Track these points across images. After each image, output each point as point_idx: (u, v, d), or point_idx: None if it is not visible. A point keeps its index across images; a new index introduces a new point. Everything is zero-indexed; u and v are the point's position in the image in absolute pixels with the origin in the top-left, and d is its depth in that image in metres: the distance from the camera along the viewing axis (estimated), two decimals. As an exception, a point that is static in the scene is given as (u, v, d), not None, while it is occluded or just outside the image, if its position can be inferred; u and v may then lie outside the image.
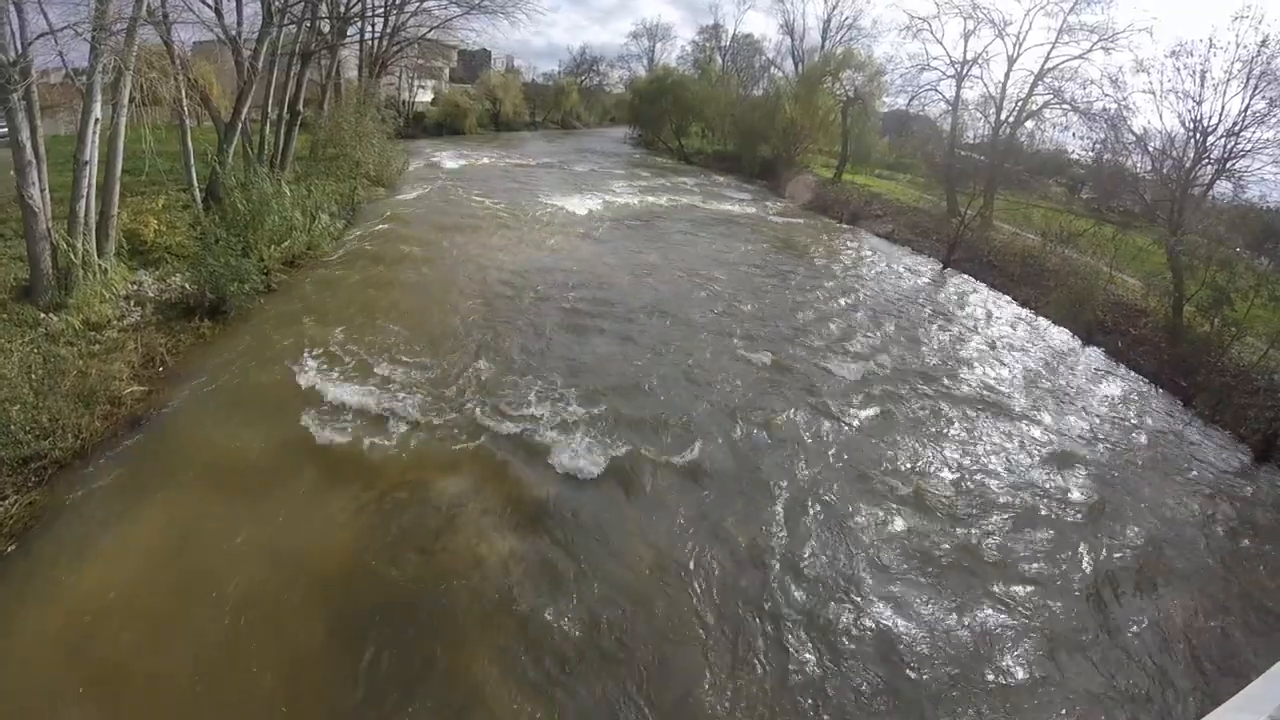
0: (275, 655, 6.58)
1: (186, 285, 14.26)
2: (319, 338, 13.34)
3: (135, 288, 14.00)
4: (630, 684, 6.70)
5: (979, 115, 36.30)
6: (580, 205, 30.44)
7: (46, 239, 12.08)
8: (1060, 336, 19.93)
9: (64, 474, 8.82)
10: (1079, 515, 10.53)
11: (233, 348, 12.88)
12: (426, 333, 14.18)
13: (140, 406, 10.52)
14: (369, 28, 32.71)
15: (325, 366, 12.25)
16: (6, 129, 11.43)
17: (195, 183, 18.62)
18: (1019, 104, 32.88)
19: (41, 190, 11.86)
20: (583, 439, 10.74)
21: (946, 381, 14.97)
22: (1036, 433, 13.08)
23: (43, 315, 11.76)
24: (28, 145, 11.45)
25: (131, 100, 13.70)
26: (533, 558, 8.25)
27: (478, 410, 11.22)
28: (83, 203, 12.61)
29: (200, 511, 8.44)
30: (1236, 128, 21.02)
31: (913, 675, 7.18)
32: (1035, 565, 9.21)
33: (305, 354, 12.63)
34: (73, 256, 12.45)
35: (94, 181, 12.96)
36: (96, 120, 12.50)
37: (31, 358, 10.57)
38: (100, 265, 13.16)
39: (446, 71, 67.67)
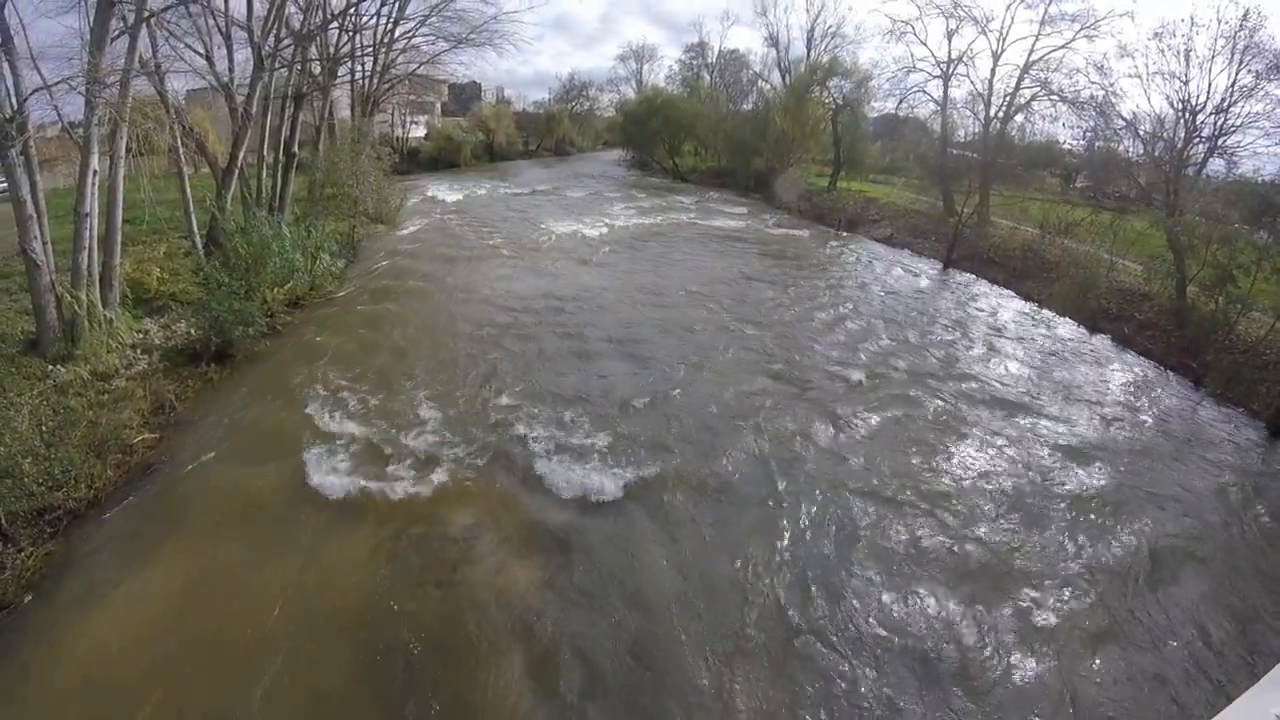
0: (295, 698, 6.53)
1: (192, 331, 14.39)
2: (325, 377, 13.37)
3: (141, 336, 14.10)
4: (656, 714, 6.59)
5: (968, 113, 36.57)
6: (579, 231, 30.53)
7: (51, 291, 12.19)
8: (1066, 327, 19.80)
9: (79, 524, 8.84)
10: (1098, 504, 10.40)
11: (240, 391, 12.95)
12: (431, 367, 14.20)
13: (152, 454, 10.57)
14: (359, 67, 33.01)
15: (333, 405, 12.25)
16: (6, 184, 11.59)
17: (195, 229, 18.80)
18: (1007, 98, 33.00)
19: (44, 244, 11.99)
20: (595, 465, 10.67)
21: (959, 381, 14.88)
22: (1052, 425, 12.94)
23: (50, 367, 11.83)
24: (28, 200, 11.58)
25: (128, 151, 13.90)
26: (551, 585, 8.18)
27: (486, 441, 11.21)
28: (85, 254, 12.72)
29: (216, 556, 8.43)
30: (1225, 104, 21.18)
31: (943, 669, 7.09)
32: (1060, 556, 9.09)
33: (312, 394, 12.65)
34: (77, 308, 12.55)
35: (95, 233, 13.08)
36: (94, 172, 12.64)
37: (41, 410, 10.62)
38: (105, 315, 13.25)
39: (438, 106, 68.49)
